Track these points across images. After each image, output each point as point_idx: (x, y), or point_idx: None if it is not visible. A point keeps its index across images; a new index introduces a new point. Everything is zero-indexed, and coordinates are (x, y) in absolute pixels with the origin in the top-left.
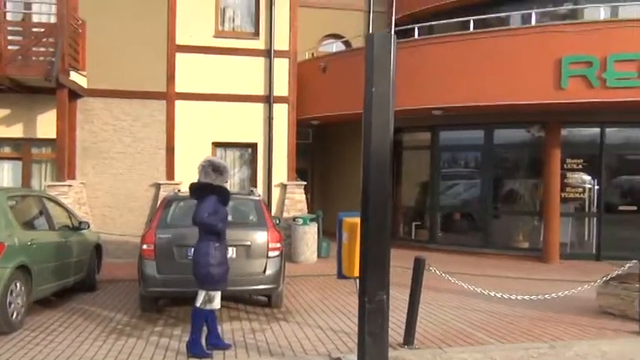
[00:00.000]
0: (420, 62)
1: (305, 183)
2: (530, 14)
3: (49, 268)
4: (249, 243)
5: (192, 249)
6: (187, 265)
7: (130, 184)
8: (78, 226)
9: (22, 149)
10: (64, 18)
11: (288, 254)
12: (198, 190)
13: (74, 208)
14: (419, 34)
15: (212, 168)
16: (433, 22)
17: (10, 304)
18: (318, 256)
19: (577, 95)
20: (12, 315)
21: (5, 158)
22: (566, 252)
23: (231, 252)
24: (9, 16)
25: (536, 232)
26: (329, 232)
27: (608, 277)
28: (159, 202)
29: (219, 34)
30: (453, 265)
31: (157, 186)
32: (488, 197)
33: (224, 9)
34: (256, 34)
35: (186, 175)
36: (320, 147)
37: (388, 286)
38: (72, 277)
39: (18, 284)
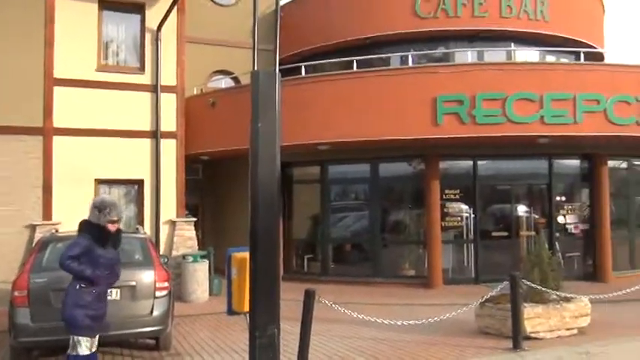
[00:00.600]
0: (307, 99)
1: (195, 219)
2: (407, 56)
3: None
4: (134, 283)
5: None
6: None
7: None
8: None
9: None
10: None
11: (178, 293)
12: (78, 228)
13: None
14: (306, 73)
15: (95, 205)
16: (319, 61)
17: None
18: (210, 294)
19: (451, 131)
20: None
21: None
22: (448, 277)
23: (115, 294)
24: None
25: (422, 260)
26: (221, 269)
27: (484, 298)
28: (34, 244)
29: (101, 68)
30: (344, 295)
31: (33, 227)
32: (376, 228)
33: (107, 42)
34: (141, 68)
35: (67, 215)
36: (211, 183)
37: (279, 319)
38: None
39: None
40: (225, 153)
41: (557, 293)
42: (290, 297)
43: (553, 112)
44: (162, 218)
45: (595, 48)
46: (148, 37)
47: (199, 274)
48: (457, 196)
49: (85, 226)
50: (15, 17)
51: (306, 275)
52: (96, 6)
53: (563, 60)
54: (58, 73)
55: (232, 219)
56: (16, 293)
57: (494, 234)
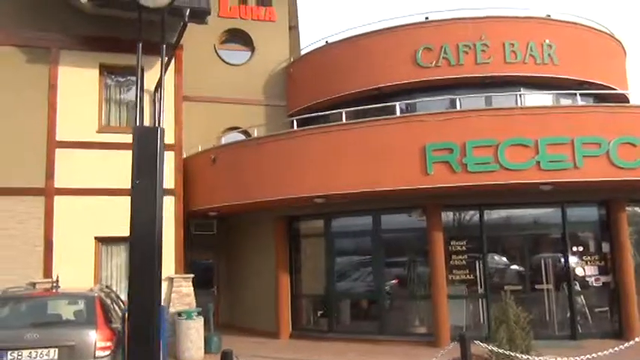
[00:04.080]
0: (300, 151)
1: (193, 275)
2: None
3: None
4: (73, 343)
5: (8, 353)
6: None
7: (2, 283)
8: None
9: None
10: None
11: (172, 351)
12: None
13: None
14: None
15: None
16: (316, 114)
17: None
18: (208, 351)
19: (442, 180)
20: None
21: None
22: (457, 335)
23: (53, 353)
24: None
25: (429, 316)
26: (231, 325)
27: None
28: None
29: (102, 129)
30: (341, 356)
31: (33, 285)
32: (381, 282)
33: (108, 104)
34: None
35: (67, 272)
36: (225, 237)
37: None
38: None
39: None
40: (228, 208)
41: (527, 357)
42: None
43: (549, 157)
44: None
45: (615, 89)
46: (146, 98)
47: (192, 331)
48: (464, 248)
49: None
50: (19, 83)
51: (313, 332)
52: (97, 71)
53: (582, 103)
54: (60, 136)
55: (243, 273)
56: None
57: (506, 287)
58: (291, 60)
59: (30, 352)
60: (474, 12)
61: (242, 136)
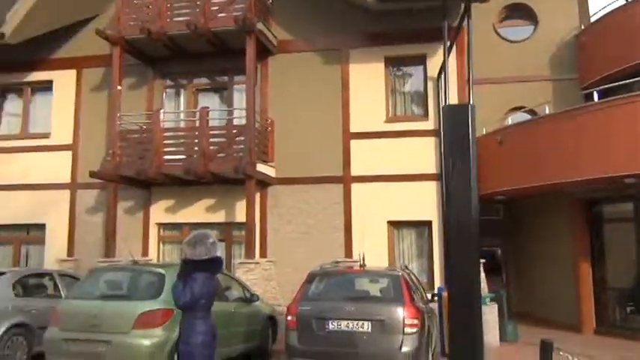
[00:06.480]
0: (602, 126)
1: (484, 261)
2: None
3: (219, 335)
4: (383, 318)
5: (330, 322)
6: (325, 337)
7: (312, 261)
8: (250, 298)
9: (225, 232)
10: (251, 120)
11: None
12: None
13: (261, 283)
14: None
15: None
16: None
17: None
18: (503, 339)
19: None
20: None
21: None
22: None
23: (367, 326)
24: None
25: None
26: (524, 314)
27: None
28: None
29: (390, 120)
30: None
31: (336, 263)
32: None
33: (394, 95)
34: (425, 115)
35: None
36: (512, 222)
37: None
38: (241, 344)
39: None
40: (517, 192)
41: None
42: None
43: None
44: None
45: None
46: (430, 85)
47: (486, 317)
48: None
49: None
50: (317, 82)
51: (622, 330)
52: (382, 65)
53: None
54: (353, 128)
55: (535, 260)
56: (288, 317)
57: None
58: (582, 27)
59: (348, 323)
60: None
61: (527, 116)
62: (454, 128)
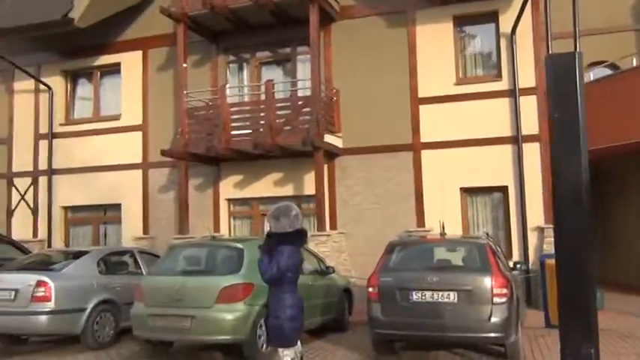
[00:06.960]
0: None
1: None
2: None
3: None
4: (470, 288)
5: (414, 292)
6: (408, 308)
7: (384, 231)
8: (325, 271)
9: None
10: (317, 90)
11: None
12: None
13: (333, 255)
14: None
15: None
16: None
17: (259, 336)
18: None
19: None
20: (261, 347)
21: None
22: None
23: (453, 297)
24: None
25: None
26: (607, 280)
27: None
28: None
29: (460, 81)
30: None
31: (409, 232)
32: None
33: (463, 56)
34: (498, 75)
35: (436, 223)
36: (595, 185)
37: (597, 338)
38: (319, 317)
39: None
40: (602, 151)
41: None
42: None
43: None
44: (529, 224)
45: None
46: (503, 43)
47: None
48: None
49: None
50: (382, 46)
51: None
52: (450, 25)
53: None
54: (422, 93)
55: (617, 224)
56: (370, 289)
57: None
58: None
59: (432, 294)
60: None
61: (608, 71)
62: (559, 80)
